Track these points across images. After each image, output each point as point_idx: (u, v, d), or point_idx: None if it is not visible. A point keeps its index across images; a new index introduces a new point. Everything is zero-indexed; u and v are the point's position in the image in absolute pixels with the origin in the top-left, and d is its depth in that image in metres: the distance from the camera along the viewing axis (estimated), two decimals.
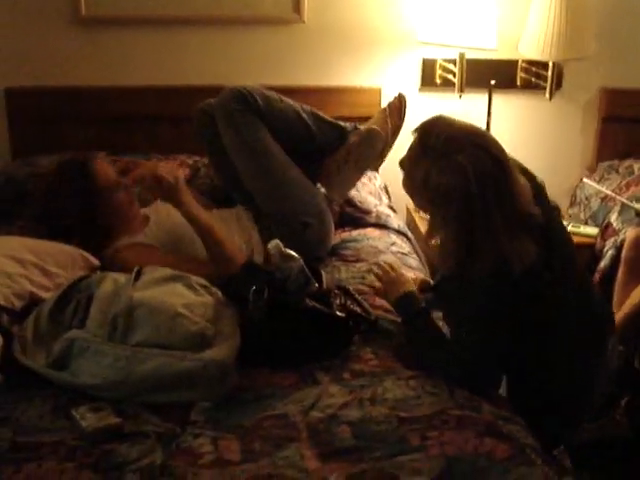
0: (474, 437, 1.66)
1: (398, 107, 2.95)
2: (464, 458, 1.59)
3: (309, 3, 3.30)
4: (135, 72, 3.33)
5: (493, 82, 3.36)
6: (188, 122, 2.99)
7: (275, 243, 2.05)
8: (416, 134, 1.92)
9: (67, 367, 1.84)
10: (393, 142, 2.95)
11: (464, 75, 3.30)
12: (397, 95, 2.99)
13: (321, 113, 2.85)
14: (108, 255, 2.40)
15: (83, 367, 1.82)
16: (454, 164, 1.80)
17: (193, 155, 3.18)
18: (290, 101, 2.77)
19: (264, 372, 1.93)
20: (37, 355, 1.89)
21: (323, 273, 2.12)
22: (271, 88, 3.26)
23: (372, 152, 2.87)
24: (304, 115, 2.75)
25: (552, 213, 2.04)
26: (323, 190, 2.73)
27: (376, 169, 3.24)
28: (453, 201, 1.83)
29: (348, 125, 2.88)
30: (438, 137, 1.85)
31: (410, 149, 1.94)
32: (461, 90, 3.32)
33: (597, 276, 2.94)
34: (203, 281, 2.07)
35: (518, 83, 3.50)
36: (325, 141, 2.79)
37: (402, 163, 1.98)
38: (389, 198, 3.26)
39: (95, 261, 2.32)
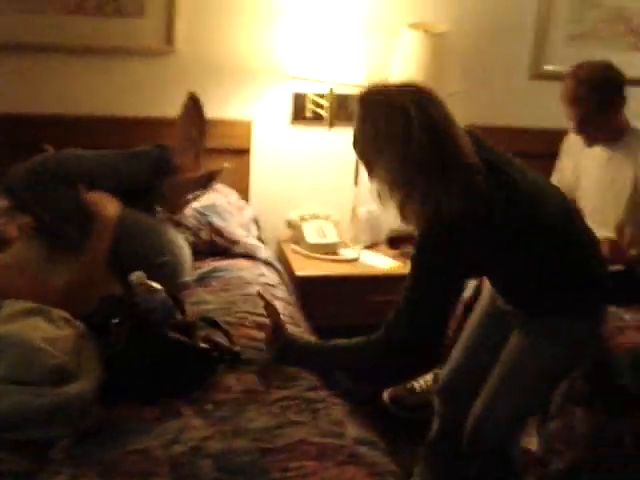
0: (335, 466, 1.69)
1: (194, 108, 2.88)
2: None
3: (181, 34, 3.30)
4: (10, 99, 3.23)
5: None
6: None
7: (137, 275, 2.04)
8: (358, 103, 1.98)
9: None
10: (204, 142, 2.87)
11: (334, 110, 3.37)
12: (187, 97, 2.89)
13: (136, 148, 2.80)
14: None
15: None
16: (399, 107, 1.88)
17: None
18: (90, 152, 2.70)
19: (127, 406, 1.90)
20: None
21: (186, 305, 2.12)
22: (144, 119, 3.30)
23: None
24: (107, 160, 2.68)
25: (503, 156, 2.10)
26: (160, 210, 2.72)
27: None
28: (407, 141, 1.87)
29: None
30: (379, 92, 1.96)
31: (356, 116, 1.99)
32: (331, 124, 3.40)
33: (460, 307, 3.05)
34: (65, 314, 2.03)
35: None
36: (144, 171, 2.73)
37: (355, 140, 2.02)
38: (258, 229, 3.29)
39: None
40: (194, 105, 2.86)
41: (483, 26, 3.62)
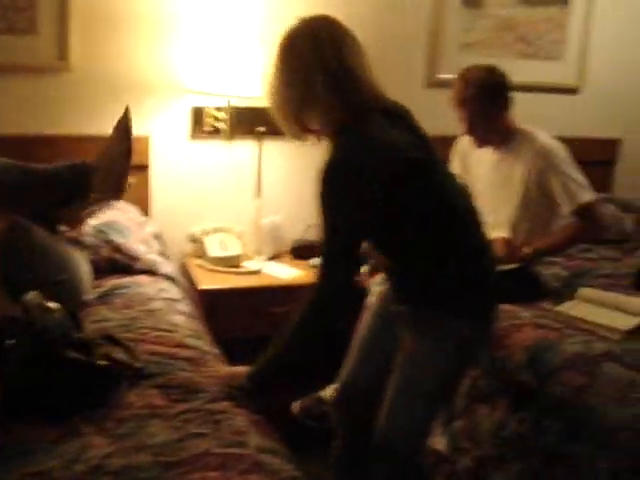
0: (238, 475, 1.69)
1: (124, 125, 2.87)
2: None
3: (76, 51, 3.26)
4: None
5: (262, 129, 3.45)
6: None
7: (32, 294, 2.01)
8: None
9: None
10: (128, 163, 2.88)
11: (233, 123, 3.38)
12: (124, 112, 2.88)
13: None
14: None
15: None
16: (306, 32, 2.04)
17: None
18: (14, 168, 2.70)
19: (27, 427, 1.86)
20: None
21: (87, 323, 2.10)
22: (42, 137, 3.25)
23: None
24: (27, 180, 2.67)
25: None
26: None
27: None
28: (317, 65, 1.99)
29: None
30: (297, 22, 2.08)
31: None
32: (230, 138, 3.40)
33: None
34: None
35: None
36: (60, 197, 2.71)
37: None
38: (161, 245, 3.27)
39: None
40: (125, 121, 2.85)
41: (378, 37, 3.69)
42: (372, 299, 2.78)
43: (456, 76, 2.99)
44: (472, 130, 2.98)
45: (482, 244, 2.22)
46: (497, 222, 3.07)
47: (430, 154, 2.12)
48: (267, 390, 2.10)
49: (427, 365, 2.15)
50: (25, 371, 1.91)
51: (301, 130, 2.09)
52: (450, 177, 2.21)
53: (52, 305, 2.00)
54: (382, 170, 1.96)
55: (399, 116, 2.13)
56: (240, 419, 1.95)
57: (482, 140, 3.02)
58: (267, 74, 2.07)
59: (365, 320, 2.47)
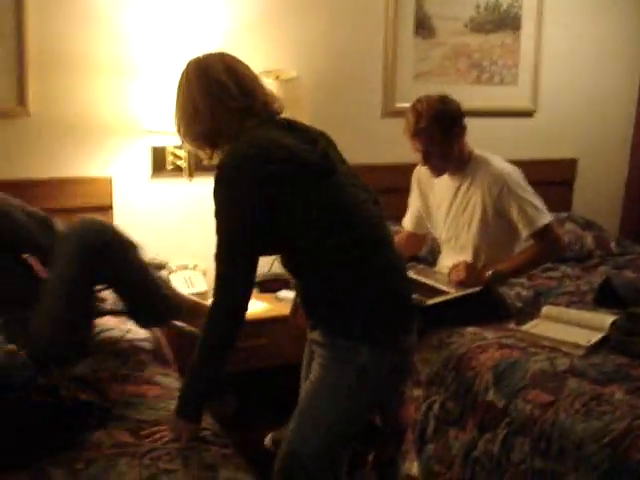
0: None
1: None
2: None
3: (34, 96, 3.28)
4: None
5: None
6: None
7: None
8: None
9: None
10: None
11: (192, 160, 3.41)
12: None
13: None
14: None
15: None
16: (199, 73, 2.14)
17: None
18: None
19: None
20: None
21: (51, 366, 2.09)
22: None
23: None
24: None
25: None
26: None
27: None
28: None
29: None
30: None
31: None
32: (190, 175, 3.43)
33: None
34: None
35: None
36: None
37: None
38: None
39: None
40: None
41: (334, 71, 3.77)
42: None
43: (409, 105, 3.04)
44: (427, 161, 3.02)
45: (388, 264, 2.12)
46: (459, 247, 3.12)
47: (329, 163, 2.10)
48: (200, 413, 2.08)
49: (327, 394, 2.10)
50: None
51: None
52: (354, 190, 2.13)
53: (13, 348, 2.00)
54: (269, 169, 1.98)
55: (302, 130, 2.17)
56: (209, 454, 1.95)
57: (438, 169, 3.07)
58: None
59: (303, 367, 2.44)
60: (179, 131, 2.19)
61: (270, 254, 2.25)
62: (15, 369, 1.97)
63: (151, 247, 3.47)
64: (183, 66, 2.21)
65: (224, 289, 2.03)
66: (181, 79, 2.17)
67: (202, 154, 2.22)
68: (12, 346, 2.01)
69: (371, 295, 2.07)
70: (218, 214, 2.01)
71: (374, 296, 2.08)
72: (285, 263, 2.19)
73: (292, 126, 2.15)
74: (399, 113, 3.69)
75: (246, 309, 2.05)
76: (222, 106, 2.09)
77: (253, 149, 2.01)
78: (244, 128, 2.07)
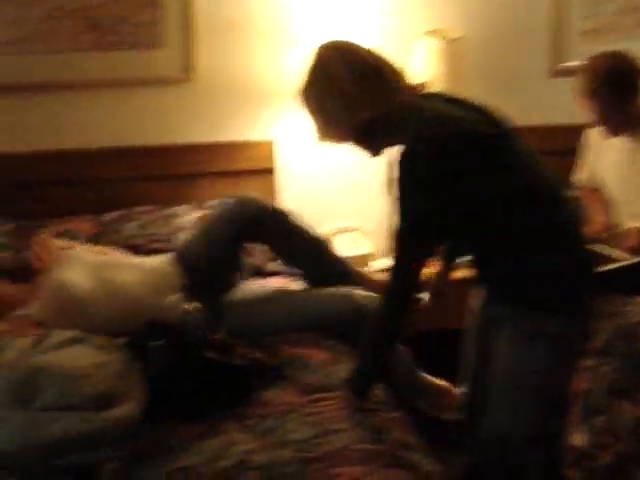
0: (378, 470, 1.71)
1: None
2: None
3: (199, 62, 3.36)
4: (26, 137, 3.32)
5: None
6: (81, 185, 3.15)
7: (176, 297, 2.08)
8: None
9: None
10: None
11: None
12: None
13: None
14: None
15: None
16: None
17: (90, 218, 3.19)
18: None
19: (170, 425, 1.94)
20: None
21: (223, 325, 2.16)
22: (165, 147, 3.37)
23: None
24: None
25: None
26: None
27: None
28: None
29: None
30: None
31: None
32: None
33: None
34: (107, 339, 2.08)
35: None
36: None
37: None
38: None
39: None
40: None
41: (499, 29, 3.64)
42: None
43: (581, 64, 2.90)
44: (603, 121, 2.87)
45: (574, 228, 2.06)
46: (631, 213, 2.97)
47: (504, 130, 2.00)
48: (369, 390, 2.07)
49: (526, 371, 2.02)
50: (168, 372, 1.98)
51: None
52: (530, 155, 2.03)
53: (191, 307, 2.07)
54: (454, 148, 1.88)
55: (462, 100, 2.04)
56: (379, 417, 1.96)
57: (614, 130, 2.92)
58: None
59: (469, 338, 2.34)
60: (323, 132, 2.10)
61: (451, 240, 2.21)
62: (191, 326, 2.04)
63: (313, 209, 3.53)
64: (314, 56, 2.03)
65: (400, 275, 1.99)
66: (317, 71, 2.01)
67: (362, 150, 2.11)
68: (190, 305, 2.07)
69: (560, 261, 1.99)
70: (403, 199, 1.92)
71: (563, 262, 1.99)
72: (464, 248, 2.15)
73: (451, 99, 2.05)
74: (567, 72, 3.56)
75: (418, 292, 2.05)
76: (378, 88, 1.97)
77: (433, 129, 1.89)
78: (406, 108, 1.97)
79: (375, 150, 2.09)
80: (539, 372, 2.03)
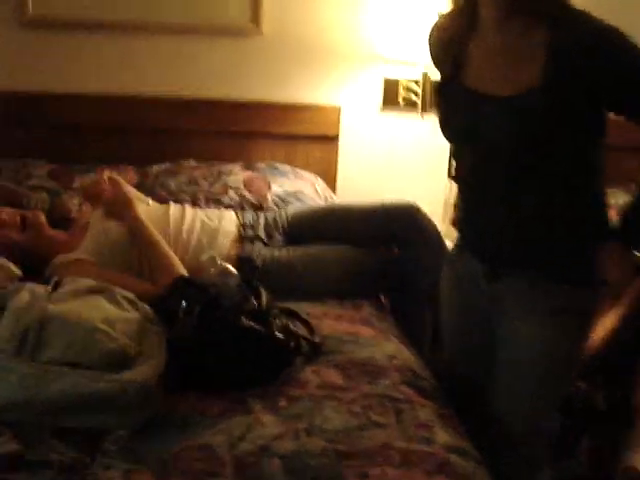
0: (422, 476, 1.47)
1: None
2: None
3: (268, 14, 3.14)
4: (83, 78, 3.13)
5: None
6: (129, 133, 3.00)
7: (211, 255, 1.86)
8: None
9: None
10: None
11: (427, 96, 3.15)
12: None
13: None
14: (48, 272, 2.22)
15: None
16: None
17: (141, 166, 3.00)
18: None
19: (190, 397, 1.72)
20: None
21: (263, 291, 1.92)
22: (225, 101, 3.17)
23: None
24: None
25: None
26: None
27: None
28: None
29: None
30: None
31: None
32: (424, 111, 3.17)
33: None
34: (130, 295, 1.87)
35: None
36: None
37: None
38: None
39: (17, 271, 2.12)
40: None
41: None
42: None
43: None
44: None
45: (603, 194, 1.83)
46: None
47: None
48: None
49: (559, 354, 1.82)
50: (195, 337, 1.76)
51: None
52: None
53: (231, 268, 1.84)
54: None
55: None
56: (426, 411, 1.72)
57: None
58: None
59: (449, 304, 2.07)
60: None
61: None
62: (227, 289, 1.82)
63: (373, 182, 3.31)
64: None
65: None
66: None
67: None
68: (228, 266, 1.85)
69: (594, 226, 1.79)
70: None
71: (596, 227, 1.79)
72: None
73: None
74: None
75: None
76: None
77: None
78: None
79: None
80: (569, 353, 1.84)
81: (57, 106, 3.09)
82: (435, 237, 2.63)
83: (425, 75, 3.12)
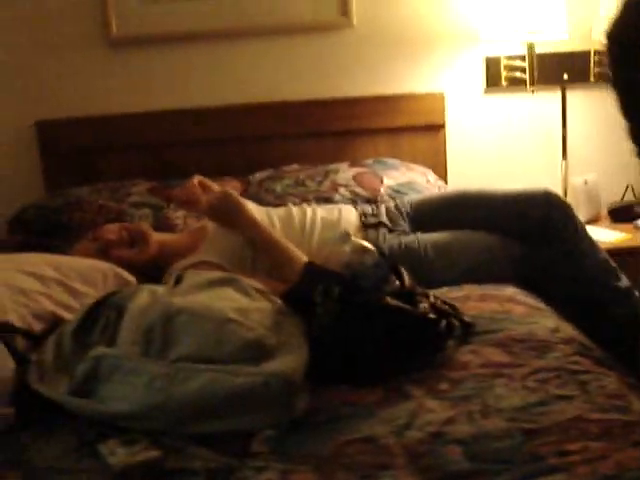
0: (630, 447, 1.24)
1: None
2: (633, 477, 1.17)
3: (357, 5, 3.00)
4: (169, 94, 3.04)
5: (566, 77, 3.00)
6: (228, 143, 2.91)
7: (342, 232, 1.68)
8: None
9: (93, 393, 1.45)
10: None
11: (534, 70, 2.94)
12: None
13: None
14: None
15: (112, 391, 1.43)
16: None
17: (238, 178, 2.86)
18: None
19: (339, 389, 1.53)
20: (58, 382, 1.50)
21: (404, 271, 1.73)
22: (321, 100, 3.03)
23: None
24: None
25: None
26: None
27: None
28: None
29: None
30: None
31: None
32: (531, 89, 2.97)
33: None
34: (259, 285, 1.70)
35: (591, 77, 3.08)
36: None
37: None
38: None
39: (131, 278, 1.98)
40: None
41: None
42: None
43: None
44: None
45: None
46: None
47: None
48: None
49: None
50: (339, 323, 1.57)
51: None
52: None
53: (369, 246, 1.66)
54: None
55: None
56: (611, 380, 1.50)
57: None
58: None
59: None
60: None
61: None
62: (363, 269, 1.63)
63: (485, 169, 3.10)
64: None
65: None
66: None
67: None
68: (364, 242, 1.66)
69: None
70: None
71: None
72: None
73: None
74: None
75: None
76: None
77: None
78: None
79: None
80: None
81: (155, 124, 3.00)
82: (575, 241, 2.32)
83: (530, 46, 2.91)
